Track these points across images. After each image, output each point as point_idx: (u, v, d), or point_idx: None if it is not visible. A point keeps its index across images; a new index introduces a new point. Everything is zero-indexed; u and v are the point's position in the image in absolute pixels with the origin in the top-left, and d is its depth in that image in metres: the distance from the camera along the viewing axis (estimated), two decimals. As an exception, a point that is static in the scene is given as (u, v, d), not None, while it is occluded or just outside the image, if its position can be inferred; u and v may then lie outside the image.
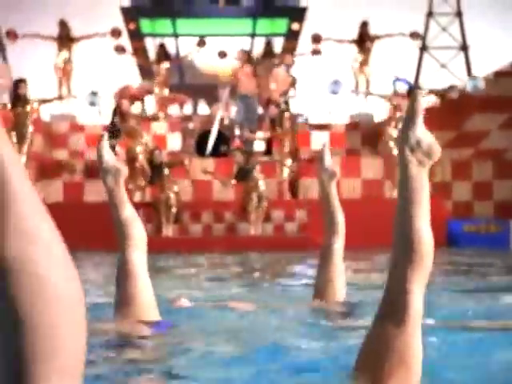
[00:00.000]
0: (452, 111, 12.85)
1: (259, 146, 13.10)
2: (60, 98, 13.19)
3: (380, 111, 13.99)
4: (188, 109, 15.67)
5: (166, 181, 10.11)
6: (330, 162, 3.67)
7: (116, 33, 14.02)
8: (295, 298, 4.35)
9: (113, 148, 12.62)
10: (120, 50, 14.25)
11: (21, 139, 11.16)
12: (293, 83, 12.97)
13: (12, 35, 14.08)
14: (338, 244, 3.76)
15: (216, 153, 12.40)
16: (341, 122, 14.36)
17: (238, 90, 13.25)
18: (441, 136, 12.18)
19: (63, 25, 14.15)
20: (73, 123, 13.91)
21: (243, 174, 10.06)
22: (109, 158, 3.08)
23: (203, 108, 16.37)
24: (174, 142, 13.13)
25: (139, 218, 3.06)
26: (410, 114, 1.95)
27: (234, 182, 10.46)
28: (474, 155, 12.43)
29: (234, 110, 13.49)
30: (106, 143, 3.06)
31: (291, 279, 6.12)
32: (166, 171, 10.14)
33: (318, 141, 13.52)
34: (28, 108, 11.40)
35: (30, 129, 11.47)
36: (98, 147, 3.13)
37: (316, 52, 13.90)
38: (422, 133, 1.95)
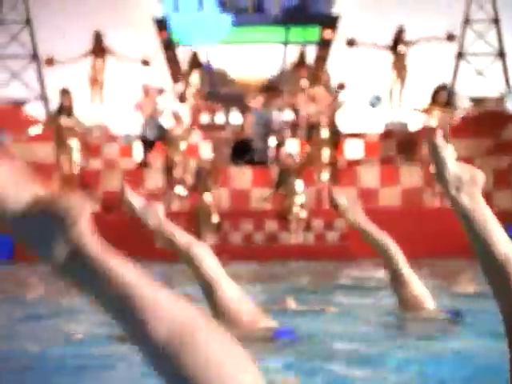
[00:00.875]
0: (490, 119, 12.66)
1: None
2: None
3: (414, 120, 13.81)
4: (220, 118, 15.61)
5: (207, 189, 10.05)
6: (342, 197, 3.64)
7: (146, 63, 14.14)
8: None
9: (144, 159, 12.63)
10: (144, 63, 14.41)
11: (63, 150, 11.27)
12: (335, 100, 12.84)
13: (50, 62, 14.31)
14: (400, 264, 3.64)
15: (251, 161, 12.31)
16: (375, 130, 14.22)
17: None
18: (479, 144, 12.00)
19: (98, 36, 14.19)
20: (106, 133, 13.94)
21: (283, 183, 9.97)
22: (137, 203, 3.00)
23: (235, 117, 16.29)
24: (206, 150, 13.09)
25: (194, 238, 3.00)
26: (435, 156, 1.91)
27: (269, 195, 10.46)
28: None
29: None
30: (127, 189, 2.94)
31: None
32: (208, 179, 10.09)
33: (352, 149, 13.39)
34: (72, 119, 11.50)
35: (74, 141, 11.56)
36: (124, 199, 3.02)
37: (351, 43, 13.84)
38: (456, 168, 1.92)
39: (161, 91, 13.62)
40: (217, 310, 2.97)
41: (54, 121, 11.55)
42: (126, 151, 13.49)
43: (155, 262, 9.02)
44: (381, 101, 12.08)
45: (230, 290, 2.99)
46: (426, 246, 9.73)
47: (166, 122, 12.66)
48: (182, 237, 3.12)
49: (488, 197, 8.20)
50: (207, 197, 9.98)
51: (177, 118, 11.62)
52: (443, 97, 11.06)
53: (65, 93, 11.65)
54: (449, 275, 7.35)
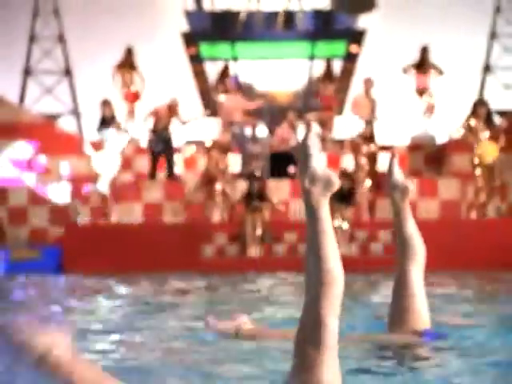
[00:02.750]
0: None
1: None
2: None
3: (442, 133, 13.94)
4: (247, 131, 15.74)
5: (252, 202, 10.20)
6: (401, 176, 3.37)
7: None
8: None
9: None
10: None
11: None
12: (373, 108, 12.96)
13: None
14: (415, 269, 3.32)
15: (283, 174, 12.44)
16: (402, 143, 14.32)
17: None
18: (507, 157, 12.06)
19: (129, 52, 14.31)
20: (136, 146, 14.07)
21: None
22: (398, 175, 3.17)
23: (262, 130, 16.45)
24: (235, 164, 13.22)
25: (420, 235, 3.18)
26: (303, 151, 2.07)
27: None
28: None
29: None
30: (396, 161, 3.13)
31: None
32: (253, 192, 10.24)
33: (384, 162, 13.50)
34: (114, 130, 11.56)
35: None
36: (389, 163, 3.22)
37: None
38: (317, 166, 2.06)
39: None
40: (402, 305, 3.17)
41: (98, 132, 11.58)
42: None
43: (199, 274, 9.20)
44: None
45: (420, 295, 3.22)
46: (464, 259, 9.86)
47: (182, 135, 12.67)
48: (410, 227, 3.31)
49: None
50: (252, 209, 10.14)
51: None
52: (483, 112, 11.18)
53: (106, 104, 11.71)
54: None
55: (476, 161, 11.09)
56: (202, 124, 14.65)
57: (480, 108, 11.21)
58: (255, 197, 10.24)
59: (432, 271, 8.78)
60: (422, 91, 13.97)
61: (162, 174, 12.42)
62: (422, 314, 3.29)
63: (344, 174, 10.41)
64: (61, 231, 11.38)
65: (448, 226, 10.54)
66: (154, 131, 12.48)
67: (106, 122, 11.50)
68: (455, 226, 10.57)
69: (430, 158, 13.77)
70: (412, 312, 3.28)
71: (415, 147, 13.89)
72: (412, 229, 3.37)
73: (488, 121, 11.18)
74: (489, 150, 11.07)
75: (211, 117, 14.63)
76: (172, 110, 12.74)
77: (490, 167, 11.06)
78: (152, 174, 12.35)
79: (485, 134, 11.14)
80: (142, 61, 14.66)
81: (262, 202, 10.24)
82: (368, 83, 13.03)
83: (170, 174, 12.32)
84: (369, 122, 12.20)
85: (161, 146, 12.41)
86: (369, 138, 11.83)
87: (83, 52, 14.78)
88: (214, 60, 17.20)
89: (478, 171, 11.00)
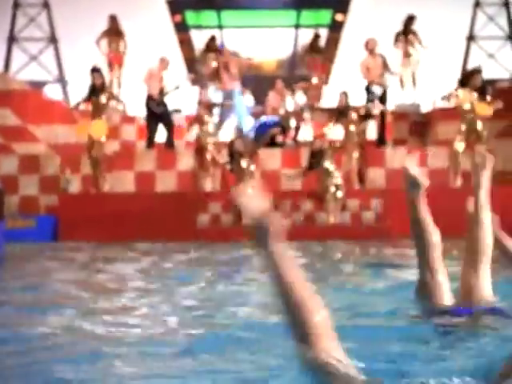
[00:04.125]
0: (503, 101, 12.87)
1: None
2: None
3: (427, 101, 14.09)
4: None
5: (245, 171, 10.29)
6: (418, 172, 3.36)
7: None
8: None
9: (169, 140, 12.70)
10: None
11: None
12: (385, 64, 12.84)
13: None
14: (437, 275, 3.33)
15: (272, 143, 12.53)
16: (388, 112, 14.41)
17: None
18: (492, 126, 12.20)
19: (113, 20, 14.20)
20: (123, 115, 14.03)
21: (317, 165, 10.24)
22: (414, 170, 3.28)
23: (249, 99, 16.48)
24: (226, 133, 13.27)
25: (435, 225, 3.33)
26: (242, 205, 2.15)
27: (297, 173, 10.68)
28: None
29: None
30: (413, 158, 3.24)
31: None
32: (244, 161, 10.32)
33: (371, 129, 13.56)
34: (103, 98, 11.39)
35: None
36: (407, 161, 3.35)
37: None
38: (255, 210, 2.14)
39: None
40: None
41: (87, 101, 11.35)
42: (144, 133, 13.63)
43: (195, 243, 9.32)
44: None
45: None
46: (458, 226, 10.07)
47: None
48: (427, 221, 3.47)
49: (506, 177, 8.44)
50: (246, 178, 10.22)
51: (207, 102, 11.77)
52: (477, 81, 11.21)
53: (95, 71, 11.45)
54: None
55: (463, 127, 11.19)
56: (187, 93, 14.62)
57: (474, 77, 11.23)
58: (247, 166, 10.34)
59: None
60: (406, 57, 14.07)
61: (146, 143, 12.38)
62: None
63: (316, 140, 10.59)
64: (51, 200, 11.40)
65: (436, 194, 10.72)
66: (151, 96, 12.41)
67: (97, 89, 11.33)
68: (444, 194, 10.75)
69: (415, 126, 13.90)
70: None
71: (400, 116, 13.98)
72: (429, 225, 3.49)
73: (481, 89, 11.24)
74: (480, 107, 11.14)
75: (195, 84, 14.63)
76: (163, 68, 12.70)
77: (478, 133, 11.19)
78: (150, 142, 12.26)
79: (467, 103, 11.20)
80: (128, 29, 14.56)
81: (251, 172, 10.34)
82: (371, 43, 12.93)
83: (170, 142, 12.25)
84: (381, 84, 12.25)
85: (161, 108, 12.36)
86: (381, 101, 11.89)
87: (69, 19, 14.64)
88: (200, 28, 17.16)
89: (463, 139, 11.11)
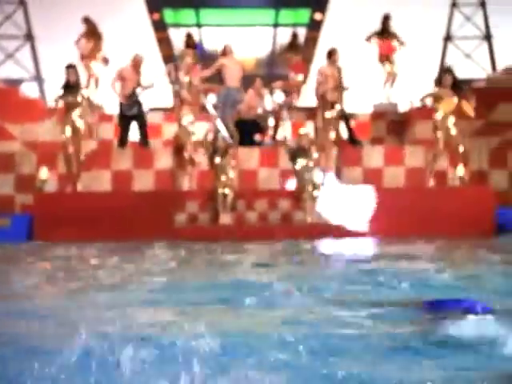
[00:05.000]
0: (478, 101, 12.99)
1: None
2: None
3: (404, 101, 14.16)
4: (211, 98, 15.74)
5: (222, 168, 10.27)
6: None
7: (105, 60, 13.81)
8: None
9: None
10: (104, 60, 14.01)
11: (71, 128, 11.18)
12: (339, 76, 13.03)
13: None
14: None
15: (250, 142, 12.52)
16: (365, 111, 14.50)
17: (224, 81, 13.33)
18: (468, 125, 12.32)
19: (87, 21, 14.12)
20: (100, 113, 13.96)
21: (298, 158, 10.26)
22: None
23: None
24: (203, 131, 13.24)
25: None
26: None
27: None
28: (503, 144, 12.63)
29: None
30: None
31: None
32: (220, 159, 10.30)
33: (344, 130, 13.62)
34: (78, 96, 11.30)
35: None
36: None
37: None
38: None
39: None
40: None
41: (61, 98, 11.26)
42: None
43: (174, 242, 9.27)
44: None
45: None
46: (431, 225, 10.14)
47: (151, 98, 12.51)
48: None
49: (483, 177, 8.63)
50: (223, 177, 10.21)
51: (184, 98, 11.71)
52: (449, 80, 11.33)
53: (70, 68, 11.33)
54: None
55: (437, 125, 11.28)
56: (165, 89, 14.57)
57: (446, 76, 11.35)
58: (224, 164, 10.32)
59: (399, 237, 9.07)
60: (384, 59, 14.12)
61: (129, 142, 12.34)
62: None
63: (303, 135, 10.61)
64: (27, 199, 11.31)
65: (413, 193, 10.80)
66: (124, 95, 12.31)
67: (71, 87, 11.24)
68: (423, 193, 10.84)
69: (393, 125, 13.97)
70: None
71: (378, 115, 14.04)
72: None
73: (454, 88, 11.34)
74: (447, 103, 11.24)
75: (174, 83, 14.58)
76: (136, 67, 12.59)
77: (450, 133, 11.28)
78: (122, 141, 12.19)
79: (454, 101, 11.30)
80: (106, 28, 14.49)
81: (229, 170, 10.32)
82: (336, 54, 13.09)
83: (145, 141, 12.17)
84: (335, 90, 12.28)
85: (134, 110, 12.25)
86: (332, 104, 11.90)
87: (45, 16, 14.51)
88: (178, 27, 17.12)
89: (439, 136, 11.19)
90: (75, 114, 11.22)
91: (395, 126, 13.87)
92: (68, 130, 11.13)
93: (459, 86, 11.38)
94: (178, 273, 5.56)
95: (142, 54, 12.68)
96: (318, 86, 12.38)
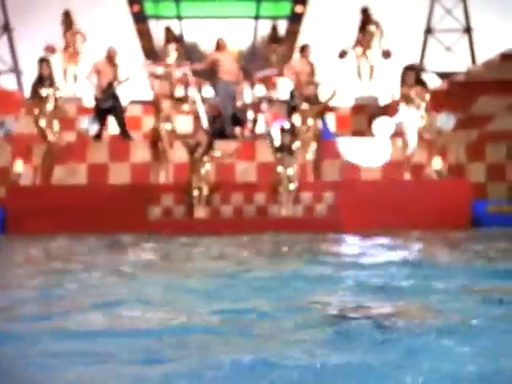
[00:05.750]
0: (458, 94, 13.01)
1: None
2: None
3: (384, 94, 14.14)
4: (192, 91, 15.66)
5: (198, 162, 10.20)
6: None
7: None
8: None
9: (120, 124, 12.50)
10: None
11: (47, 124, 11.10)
12: (312, 72, 13.00)
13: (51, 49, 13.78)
14: None
15: (226, 134, 12.46)
16: (346, 104, 14.48)
17: (218, 76, 13.26)
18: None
19: (67, 14, 14.01)
20: (79, 106, 13.86)
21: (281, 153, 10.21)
22: None
23: (208, 91, 16.39)
24: (185, 124, 13.17)
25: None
26: None
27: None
28: (482, 137, 12.63)
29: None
30: None
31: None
32: (198, 153, 10.22)
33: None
34: (51, 90, 11.20)
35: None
36: None
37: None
38: None
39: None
40: None
41: (34, 91, 11.14)
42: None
43: (147, 235, 9.22)
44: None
45: None
46: (407, 218, 10.13)
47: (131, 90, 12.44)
48: None
49: (460, 170, 8.64)
50: (198, 170, 10.14)
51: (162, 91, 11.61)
52: (411, 77, 11.32)
53: (43, 61, 11.19)
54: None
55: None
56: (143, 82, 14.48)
57: (407, 74, 11.35)
58: (200, 157, 10.25)
59: (376, 229, 9.04)
60: (365, 51, 14.10)
61: (106, 134, 12.26)
62: None
63: (285, 130, 10.55)
64: (1, 191, 11.21)
65: (390, 186, 10.78)
66: (100, 88, 12.23)
67: (43, 80, 11.13)
68: (399, 186, 10.82)
69: (374, 119, 13.96)
70: None
71: (359, 108, 14.04)
72: None
73: (419, 84, 11.33)
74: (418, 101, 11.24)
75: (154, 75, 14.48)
76: (111, 59, 12.54)
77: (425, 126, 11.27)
78: (98, 134, 12.12)
79: (425, 97, 11.31)
80: (85, 20, 14.38)
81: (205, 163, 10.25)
82: (309, 50, 13.16)
83: (126, 134, 12.10)
84: (310, 84, 12.25)
85: (109, 103, 12.17)
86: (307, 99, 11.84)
87: (23, 7, 14.36)
88: (159, 19, 17.00)
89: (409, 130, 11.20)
90: (48, 107, 11.13)
91: (376, 119, 13.86)
92: (42, 123, 11.05)
93: (422, 82, 11.41)
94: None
95: (115, 47, 12.64)
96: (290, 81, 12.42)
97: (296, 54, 13.62)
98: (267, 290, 3.72)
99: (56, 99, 11.31)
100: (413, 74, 11.37)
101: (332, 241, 7.99)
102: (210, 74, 14.99)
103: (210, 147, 10.28)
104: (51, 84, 11.20)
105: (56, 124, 11.32)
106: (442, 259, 5.55)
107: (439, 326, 2.62)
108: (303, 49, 12.96)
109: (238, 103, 13.34)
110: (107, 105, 12.12)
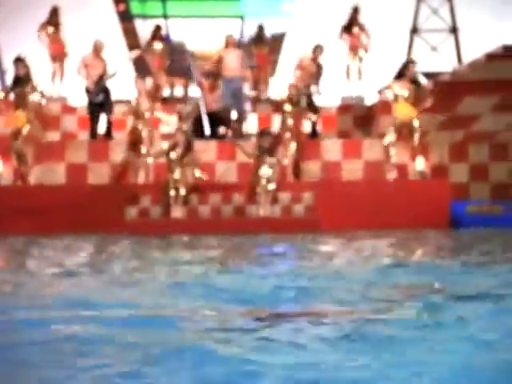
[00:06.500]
0: (444, 94, 12.98)
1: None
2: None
3: (371, 94, 14.12)
4: (178, 91, 15.64)
5: (176, 162, 10.15)
6: None
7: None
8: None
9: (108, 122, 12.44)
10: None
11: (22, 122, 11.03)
12: (318, 74, 12.96)
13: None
14: None
15: (213, 135, 12.42)
16: (332, 104, 14.44)
17: (221, 73, 13.19)
18: (434, 118, 12.26)
19: (55, 11, 13.94)
20: (64, 105, 13.81)
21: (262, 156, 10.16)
22: None
23: (194, 90, 16.36)
24: (171, 124, 13.12)
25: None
26: None
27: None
28: (468, 137, 12.61)
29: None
30: None
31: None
32: (176, 153, 10.18)
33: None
34: (28, 89, 11.12)
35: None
36: None
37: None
38: None
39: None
40: None
41: (10, 91, 11.04)
42: (85, 123, 13.42)
43: (123, 235, 9.18)
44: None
45: None
46: (386, 218, 10.10)
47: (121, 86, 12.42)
48: None
49: (443, 170, 8.61)
50: (176, 170, 10.09)
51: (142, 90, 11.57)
52: (412, 71, 11.28)
53: (19, 61, 11.05)
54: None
55: (395, 122, 11.25)
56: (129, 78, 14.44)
57: (409, 67, 11.30)
58: (179, 158, 10.21)
59: (354, 230, 9.01)
60: (353, 50, 14.08)
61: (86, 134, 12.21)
62: None
63: (265, 133, 10.51)
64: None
65: (374, 186, 10.75)
66: (91, 79, 12.20)
67: (21, 80, 11.04)
68: (378, 186, 10.79)
69: (359, 119, 13.93)
70: None
71: (345, 108, 14.00)
72: None
73: (414, 82, 11.31)
74: (404, 111, 11.22)
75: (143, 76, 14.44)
76: (98, 52, 12.51)
77: (409, 127, 11.24)
78: (93, 132, 12.01)
79: (404, 94, 11.26)
80: (70, 18, 14.31)
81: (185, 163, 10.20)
82: (318, 49, 13.12)
83: (108, 133, 12.06)
84: (306, 87, 12.20)
85: (101, 97, 12.11)
86: (295, 101, 11.79)
87: (8, 5, 14.29)
88: (145, 18, 16.95)
89: (395, 131, 11.16)
90: (23, 107, 11.07)
91: (362, 119, 13.84)
92: (15, 124, 11.02)
93: (418, 80, 11.37)
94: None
95: (101, 40, 12.62)
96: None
97: (306, 53, 13.56)
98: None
99: (35, 98, 11.24)
100: (413, 69, 11.37)
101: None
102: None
103: (188, 148, 10.23)
104: (28, 83, 11.10)
105: (36, 123, 11.26)
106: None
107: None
108: (315, 49, 13.01)
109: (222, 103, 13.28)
110: (99, 99, 12.08)
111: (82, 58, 12.48)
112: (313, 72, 12.57)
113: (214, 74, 13.40)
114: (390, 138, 11.11)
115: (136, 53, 14.31)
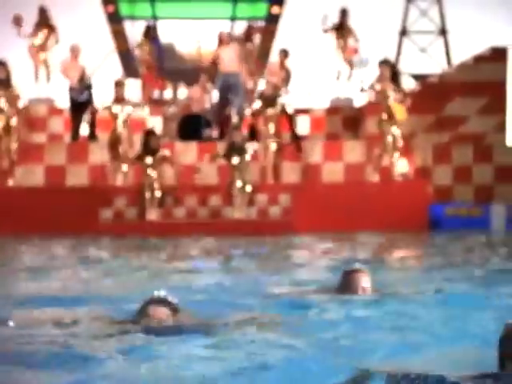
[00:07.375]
0: (432, 96, 12.91)
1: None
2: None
3: (360, 96, 14.02)
4: (168, 93, 15.59)
5: (151, 164, 10.10)
6: None
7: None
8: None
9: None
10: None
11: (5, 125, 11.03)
12: (287, 78, 12.91)
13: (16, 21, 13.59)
14: None
15: (198, 137, 12.35)
16: (321, 106, 14.37)
17: (218, 70, 13.10)
18: (421, 120, 12.24)
19: (43, 12, 13.90)
20: (51, 107, 13.77)
21: (232, 153, 10.08)
22: None
23: (183, 92, 16.31)
24: (155, 126, 13.06)
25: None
26: None
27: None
28: (453, 139, 12.52)
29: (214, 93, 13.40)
30: None
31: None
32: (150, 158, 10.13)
33: (299, 125, 13.52)
34: (10, 91, 11.13)
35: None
36: None
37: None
38: None
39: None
40: None
41: None
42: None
43: (100, 236, 9.12)
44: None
45: None
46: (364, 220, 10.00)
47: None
48: None
49: (427, 172, 8.51)
50: (152, 172, 10.02)
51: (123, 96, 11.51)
52: (386, 71, 11.17)
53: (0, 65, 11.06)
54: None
55: (382, 124, 11.15)
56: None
57: (383, 68, 11.20)
58: (154, 160, 10.15)
59: (336, 232, 8.92)
60: (341, 52, 13.99)
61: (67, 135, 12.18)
62: None
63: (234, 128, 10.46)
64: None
65: (352, 189, 10.66)
66: (71, 86, 12.23)
67: (1, 83, 11.04)
68: (357, 188, 10.70)
69: (348, 121, 13.86)
70: None
71: (333, 110, 13.93)
72: None
73: (394, 82, 11.20)
74: (398, 112, 11.11)
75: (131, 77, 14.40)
76: (75, 55, 12.58)
77: (396, 129, 11.15)
78: (75, 134, 12.02)
79: (392, 95, 11.18)
80: (59, 20, 14.26)
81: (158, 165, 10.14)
82: (283, 54, 13.05)
83: (91, 134, 12.05)
84: (278, 88, 12.13)
85: (85, 95, 12.10)
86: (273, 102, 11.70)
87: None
88: (134, 19, 16.90)
89: (384, 133, 11.07)
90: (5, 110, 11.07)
91: (350, 121, 13.76)
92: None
93: (399, 80, 11.27)
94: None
95: (78, 44, 12.74)
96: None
97: (275, 57, 13.52)
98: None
99: (16, 102, 11.24)
100: (388, 69, 11.25)
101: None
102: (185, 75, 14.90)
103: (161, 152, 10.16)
104: (8, 87, 11.10)
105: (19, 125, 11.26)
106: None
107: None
108: (280, 54, 12.94)
109: (207, 104, 13.22)
110: (83, 98, 12.06)
111: (61, 63, 12.58)
112: (282, 77, 12.53)
113: (211, 73, 13.34)
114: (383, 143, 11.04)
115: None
